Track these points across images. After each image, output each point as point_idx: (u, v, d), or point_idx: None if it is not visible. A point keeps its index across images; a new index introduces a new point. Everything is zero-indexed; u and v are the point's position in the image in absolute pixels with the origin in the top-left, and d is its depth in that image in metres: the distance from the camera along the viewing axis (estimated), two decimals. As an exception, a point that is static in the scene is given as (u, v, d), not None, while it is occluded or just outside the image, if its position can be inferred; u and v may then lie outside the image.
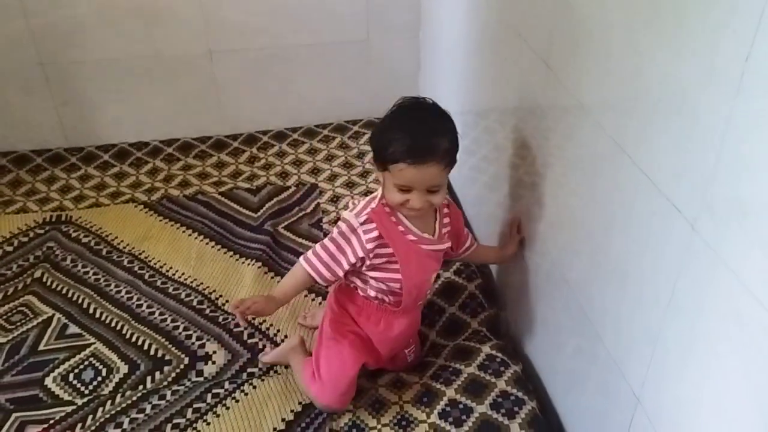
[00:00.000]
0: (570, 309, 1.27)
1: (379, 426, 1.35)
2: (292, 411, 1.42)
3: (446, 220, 1.37)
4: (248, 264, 1.84)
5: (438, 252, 1.36)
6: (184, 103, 2.33)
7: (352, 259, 1.27)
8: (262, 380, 1.51)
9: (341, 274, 1.30)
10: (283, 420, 1.41)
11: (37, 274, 1.83)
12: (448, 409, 1.35)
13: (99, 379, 1.53)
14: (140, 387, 1.51)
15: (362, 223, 1.26)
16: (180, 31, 2.19)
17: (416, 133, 1.19)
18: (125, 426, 1.41)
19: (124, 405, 1.46)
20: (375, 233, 1.25)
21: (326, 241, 1.29)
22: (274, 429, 1.39)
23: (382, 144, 1.21)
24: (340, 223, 1.29)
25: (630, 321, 1.05)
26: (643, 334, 1.00)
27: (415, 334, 1.52)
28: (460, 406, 1.34)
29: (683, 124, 0.84)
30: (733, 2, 0.72)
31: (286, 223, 2.01)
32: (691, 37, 0.80)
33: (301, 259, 1.31)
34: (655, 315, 0.96)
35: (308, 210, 2.06)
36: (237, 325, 1.64)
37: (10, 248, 1.93)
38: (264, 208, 2.07)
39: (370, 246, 1.25)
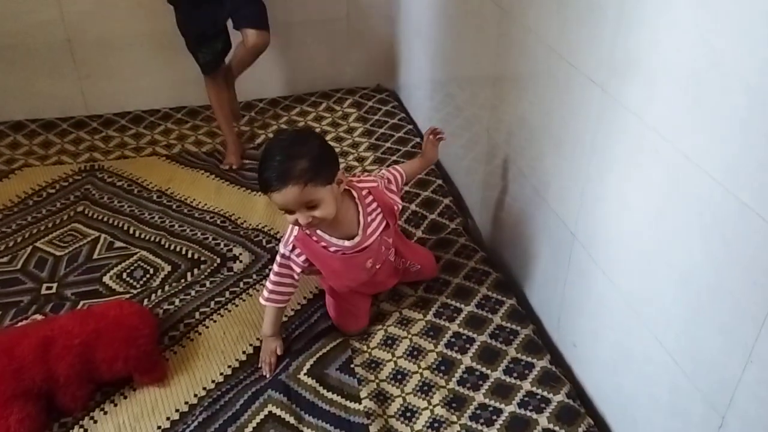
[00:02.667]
0: (525, 193, 1.68)
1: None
2: (311, 292, 1.79)
3: (372, 206, 1.50)
4: (259, 195, 2.21)
5: (369, 247, 1.50)
6: (190, 75, 2.69)
7: (297, 276, 1.53)
8: (282, 272, 1.87)
9: (296, 285, 1.56)
10: (304, 297, 1.78)
11: (79, 208, 2.17)
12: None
13: (147, 276, 1.88)
14: (182, 280, 1.86)
15: (291, 251, 1.49)
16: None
17: (265, 165, 1.33)
18: (177, 304, 1.76)
19: (171, 292, 1.81)
20: (303, 257, 1.49)
21: (271, 276, 1.53)
22: (298, 303, 1.76)
23: (258, 176, 1.36)
24: (277, 256, 1.52)
25: (564, 177, 1.46)
26: (574, 183, 1.42)
27: (394, 275, 1.70)
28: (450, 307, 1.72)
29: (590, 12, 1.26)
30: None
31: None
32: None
33: (261, 300, 1.55)
34: (581, 165, 1.37)
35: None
36: (257, 236, 2.01)
37: (52, 191, 2.26)
38: (267, 157, 2.44)
39: (304, 265, 1.51)
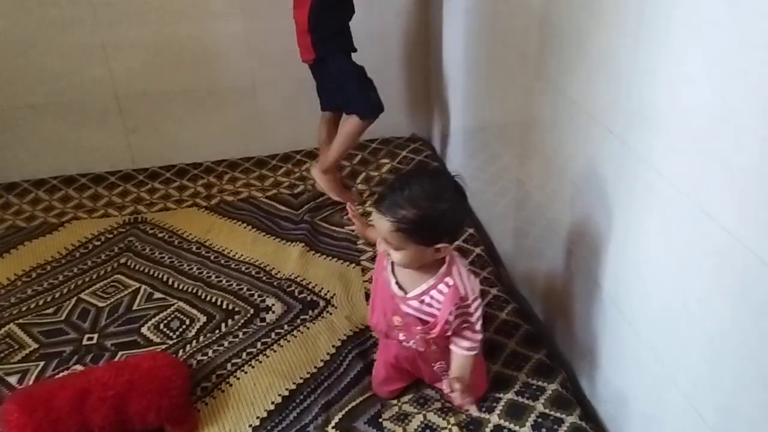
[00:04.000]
0: (555, 243, 1.67)
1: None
2: (339, 339, 1.81)
3: (434, 295, 1.37)
4: (293, 245, 2.25)
5: (402, 305, 1.40)
6: (231, 129, 2.80)
7: None
8: (313, 323, 1.89)
9: None
10: (333, 346, 1.79)
11: (122, 260, 2.25)
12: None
13: (183, 327, 1.92)
14: (216, 331, 1.90)
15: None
16: (228, 67, 2.67)
17: (392, 185, 1.31)
18: (210, 355, 1.79)
19: (205, 343, 1.85)
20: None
21: None
22: (327, 353, 1.77)
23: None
24: None
25: (590, 229, 1.45)
26: (600, 235, 1.40)
27: (424, 367, 1.56)
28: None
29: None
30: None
31: (322, 215, 2.43)
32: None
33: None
34: (603, 217, 1.36)
35: (340, 206, 2.48)
36: (290, 286, 2.04)
37: (98, 243, 2.35)
38: (304, 208, 2.49)
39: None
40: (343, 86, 2.30)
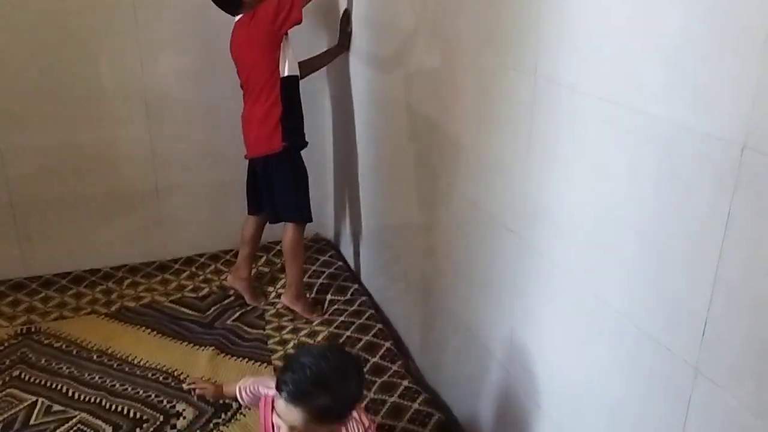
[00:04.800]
0: (459, 332, 1.78)
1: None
2: (256, 442, 1.79)
3: None
4: (203, 350, 2.23)
5: None
6: (132, 233, 2.77)
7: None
8: (227, 426, 1.87)
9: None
10: None
11: (15, 373, 2.12)
12: None
13: (88, 440, 1.84)
14: (124, 442, 1.83)
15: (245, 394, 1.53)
16: (130, 172, 2.68)
17: (293, 368, 1.23)
18: (118, 467, 1.72)
19: (113, 456, 1.77)
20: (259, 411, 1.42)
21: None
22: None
23: (283, 366, 1.33)
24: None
25: (493, 316, 1.58)
26: (502, 321, 1.53)
27: None
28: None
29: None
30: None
31: (232, 317, 2.43)
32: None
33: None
34: (507, 305, 1.50)
35: (249, 307, 2.49)
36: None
37: (-13, 356, 2.22)
38: (211, 310, 2.48)
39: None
40: (290, 188, 2.33)
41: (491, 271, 1.56)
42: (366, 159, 2.47)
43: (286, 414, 1.22)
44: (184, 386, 1.70)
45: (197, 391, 1.65)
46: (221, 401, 1.73)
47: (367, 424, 1.39)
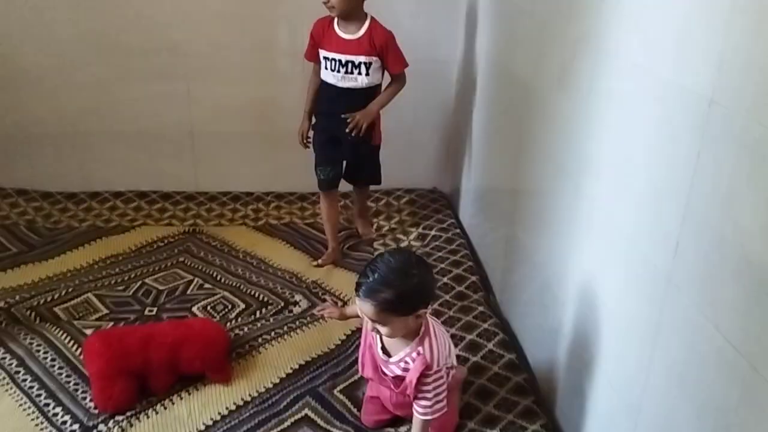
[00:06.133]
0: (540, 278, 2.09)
1: None
2: (350, 330, 2.22)
3: (409, 361, 1.60)
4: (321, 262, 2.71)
5: (385, 368, 1.67)
6: (282, 167, 3.30)
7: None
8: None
9: None
10: (344, 334, 2.22)
11: (181, 259, 2.72)
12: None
13: (226, 310, 2.38)
14: (252, 316, 2.34)
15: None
16: (287, 117, 3.20)
17: (365, 273, 1.53)
18: (245, 331, 2.23)
19: (243, 323, 2.28)
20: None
21: None
22: (339, 339, 2.20)
23: (360, 273, 1.58)
24: None
25: (558, 251, 1.88)
26: (563, 256, 1.83)
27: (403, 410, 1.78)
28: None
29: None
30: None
31: (348, 244, 2.90)
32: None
33: None
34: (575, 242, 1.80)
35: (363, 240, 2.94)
36: (315, 288, 2.49)
37: (161, 244, 2.84)
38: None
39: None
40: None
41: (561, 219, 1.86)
42: (479, 124, 2.79)
43: (362, 309, 1.55)
44: (315, 311, 2.06)
45: (326, 313, 1.91)
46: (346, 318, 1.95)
47: (429, 362, 1.58)
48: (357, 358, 2.05)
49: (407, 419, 1.79)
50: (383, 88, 2.62)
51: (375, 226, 3.02)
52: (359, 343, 1.82)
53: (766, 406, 1.00)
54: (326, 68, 2.55)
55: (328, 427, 1.85)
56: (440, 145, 3.34)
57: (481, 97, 2.76)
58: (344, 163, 2.76)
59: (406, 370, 1.62)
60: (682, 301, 1.22)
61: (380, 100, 2.58)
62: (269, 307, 2.39)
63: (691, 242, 1.20)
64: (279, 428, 1.84)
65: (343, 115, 2.53)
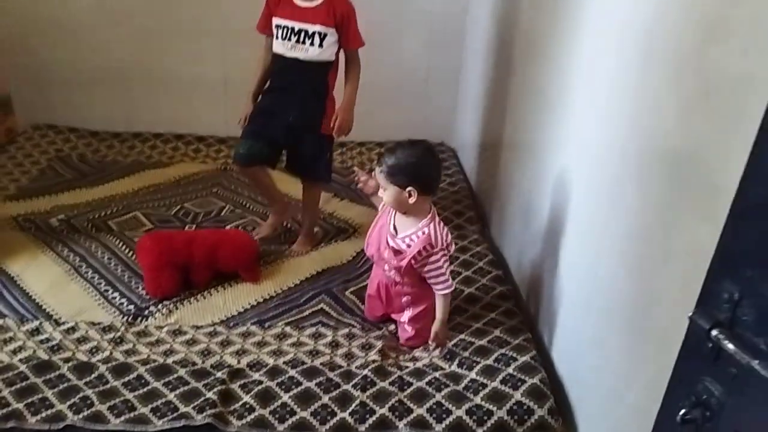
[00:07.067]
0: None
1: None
2: (360, 248, 2.57)
3: (414, 238, 1.90)
4: (340, 198, 3.06)
5: (391, 241, 1.95)
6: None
7: None
8: (345, 240, 2.68)
9: None
10: (355, 251, 2.57)
11: (214, 190, 3.09)
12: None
13: (254, 230, 2.74)
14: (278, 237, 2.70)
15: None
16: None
17: (392, 150, 1.88)
18: (272, 247, 2.59)
19: (269, 241, 2.65)
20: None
21: None
22: (350, 255, 2.56)
23: None
24: None
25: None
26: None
27: (395, 299, 2.08)
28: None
29: None
30: None
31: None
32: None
33: None
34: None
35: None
36: (331, 218, 2.84)
37: (197, 177, 3.21)
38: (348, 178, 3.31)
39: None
40: None
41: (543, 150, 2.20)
42: (483, 81, 3.11)
43: (378, 179, 1.90)
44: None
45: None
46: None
47: (432, 241, 1.88)
48: (365, 269, 2.42)
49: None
50: (336, 70, 2.44)
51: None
52: (366, 258, 2.22)
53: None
54: (277, 37, 2.37)
55: (339, 317, 2.21)
56: (447, 102, 3.66)
57: (484, 50, 3.07)
58: (280, 148, 2.54)
59: (409, 246, 1.94)
60: (627, 199, 1.56)
61: (350, 90, 2.44)
62: (291, 231, 2.75)
63: (632, 145, 1.53)
64: (299, 316, 2.20)
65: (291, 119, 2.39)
